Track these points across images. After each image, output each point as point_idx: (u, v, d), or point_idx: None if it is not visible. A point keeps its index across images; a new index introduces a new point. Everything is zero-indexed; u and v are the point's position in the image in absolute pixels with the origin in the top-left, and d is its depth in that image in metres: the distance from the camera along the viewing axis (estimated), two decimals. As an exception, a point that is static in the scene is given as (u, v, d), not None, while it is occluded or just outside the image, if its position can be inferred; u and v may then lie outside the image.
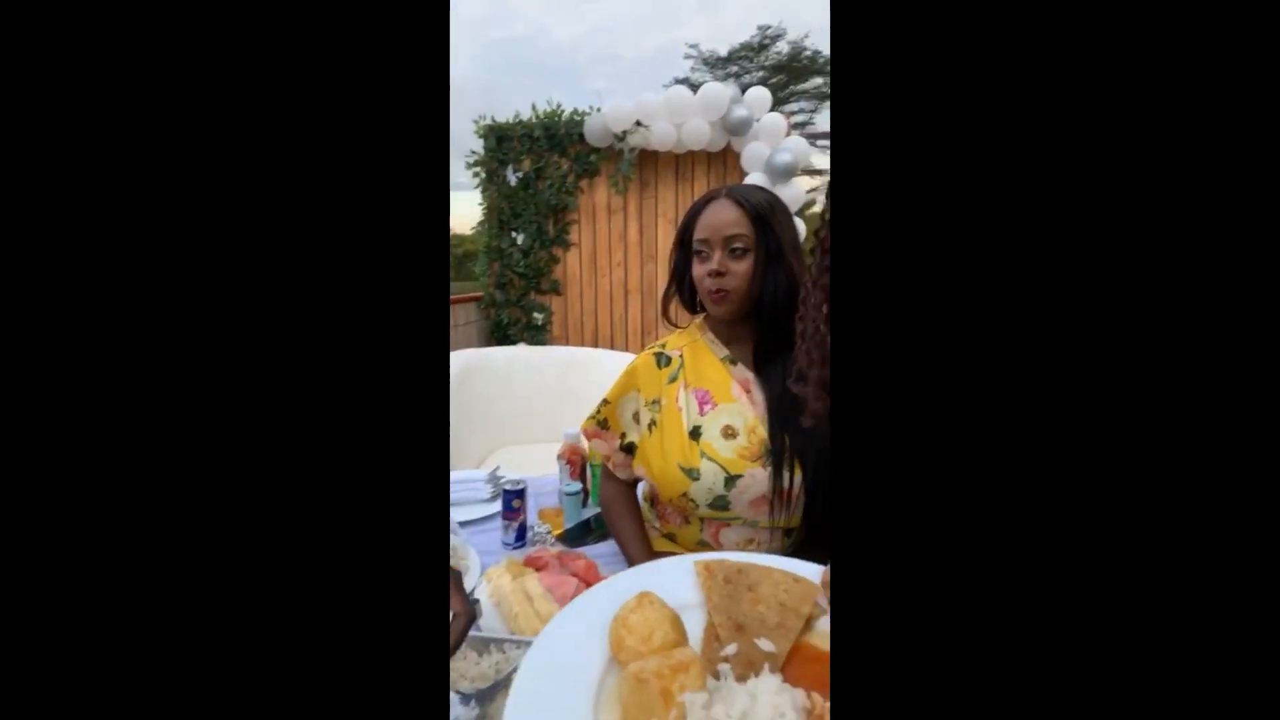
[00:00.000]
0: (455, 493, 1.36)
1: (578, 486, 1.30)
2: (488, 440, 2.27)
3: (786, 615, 0.33)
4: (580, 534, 1.26)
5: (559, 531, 1.24)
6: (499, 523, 1.20)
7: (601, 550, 1.15)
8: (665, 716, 0.29)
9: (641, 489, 1.20)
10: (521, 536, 1.18)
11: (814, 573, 0.39)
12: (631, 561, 1.06)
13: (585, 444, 1.34)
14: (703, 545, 1.03)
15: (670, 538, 1.10)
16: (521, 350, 2.91)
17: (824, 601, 0.35)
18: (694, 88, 3.16)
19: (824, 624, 0.34)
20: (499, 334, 3.63)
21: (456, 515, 1.28)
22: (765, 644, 0.32)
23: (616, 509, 1.10)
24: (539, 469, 1.54)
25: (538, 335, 3.61)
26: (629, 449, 1.09)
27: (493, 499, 1.37)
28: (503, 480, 1.35)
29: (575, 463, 1.39)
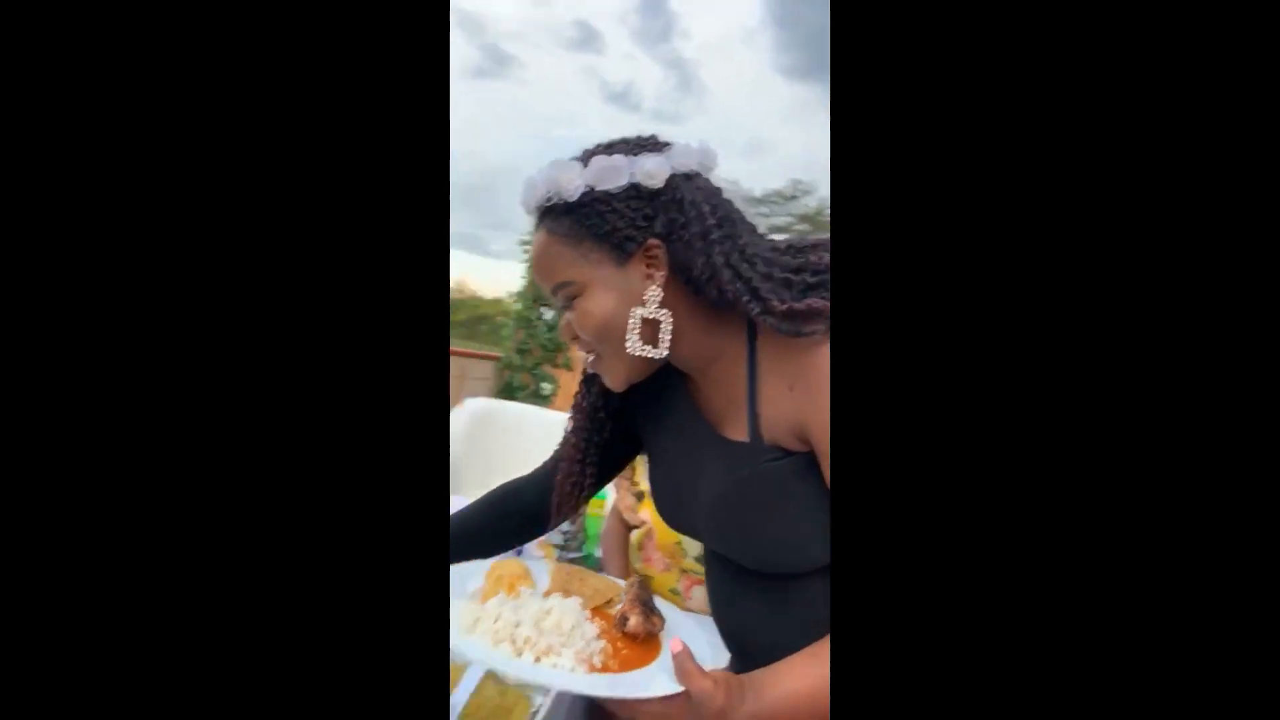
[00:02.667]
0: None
1: (570, 529, 1.52)
2: (490, 478, 2.44)
3: (595, 594, 0.58)
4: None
5: (551, 557, 1.44)
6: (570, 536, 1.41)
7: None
8: (515, 591, 0.54)
9: (634, 536, 1.42)
10: (519, 555, 1.38)
11: (623, 584, 0.62)
12: None
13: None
14: (673, 594, 1.24)
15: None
16: (530, 408, 3.15)
17: (623, 595, 0.57)
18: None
19: (619, 604, 0.56)
20: (507, 394, 3.88)
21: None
22: (578, 600, 0.55)
23: (611, 544, 1.32)
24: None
25: (542, 404, 3.87)
26: (640, 495, 1.33)
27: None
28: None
29: (574, 509, 1.61)
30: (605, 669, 0.47)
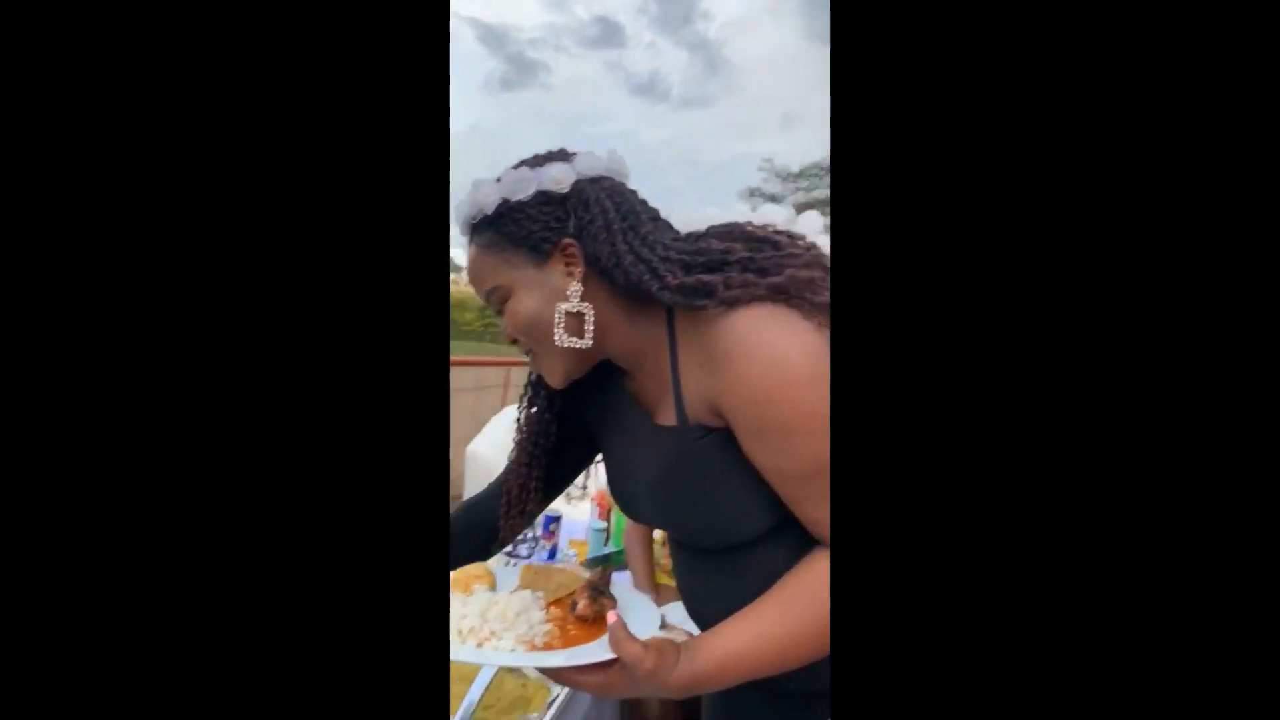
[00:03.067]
0: (502, 515, 1.65)
1: (603, 525, 1.55)
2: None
3: (559, 588, 0.61)
4: (599, 564, 1.49)
5: (583, 559, 1.48)
6: (531, 542, 1.46)
7: (616, 577, 1.39)
8: (469, 589, 0.58)
9: (657, 534, 1.44)
10: (552, 556, 1.43)
11: (584, 578, 0.65)
12: (637, 583, 1.30)
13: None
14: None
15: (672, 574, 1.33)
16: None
17: (580, 589, 0.60)
18: (765, 198, 3.58)
19: (578, 596, 0.58)
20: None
21: (501, 531, 1.56)
22: (540, 593, 0.59)
23: (634, 541, 1.34)
24: (569, 511, 1.80)
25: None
26: None
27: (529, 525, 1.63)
28: (542, 511, 1.63)
29: (604, 506, 1.64)
30: (548, 648, 0.50)
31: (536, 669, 0.49)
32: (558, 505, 1.65)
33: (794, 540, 0.52)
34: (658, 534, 1.45)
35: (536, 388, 0.68)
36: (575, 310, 0.56)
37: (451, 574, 0.63)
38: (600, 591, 0.56)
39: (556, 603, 0.59)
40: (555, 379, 0.60)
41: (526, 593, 0.57)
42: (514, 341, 0.61)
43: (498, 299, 0.59)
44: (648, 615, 0.56)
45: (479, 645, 0.49)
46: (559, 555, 1.44)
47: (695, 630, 1.05)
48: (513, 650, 0.49)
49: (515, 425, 0.71)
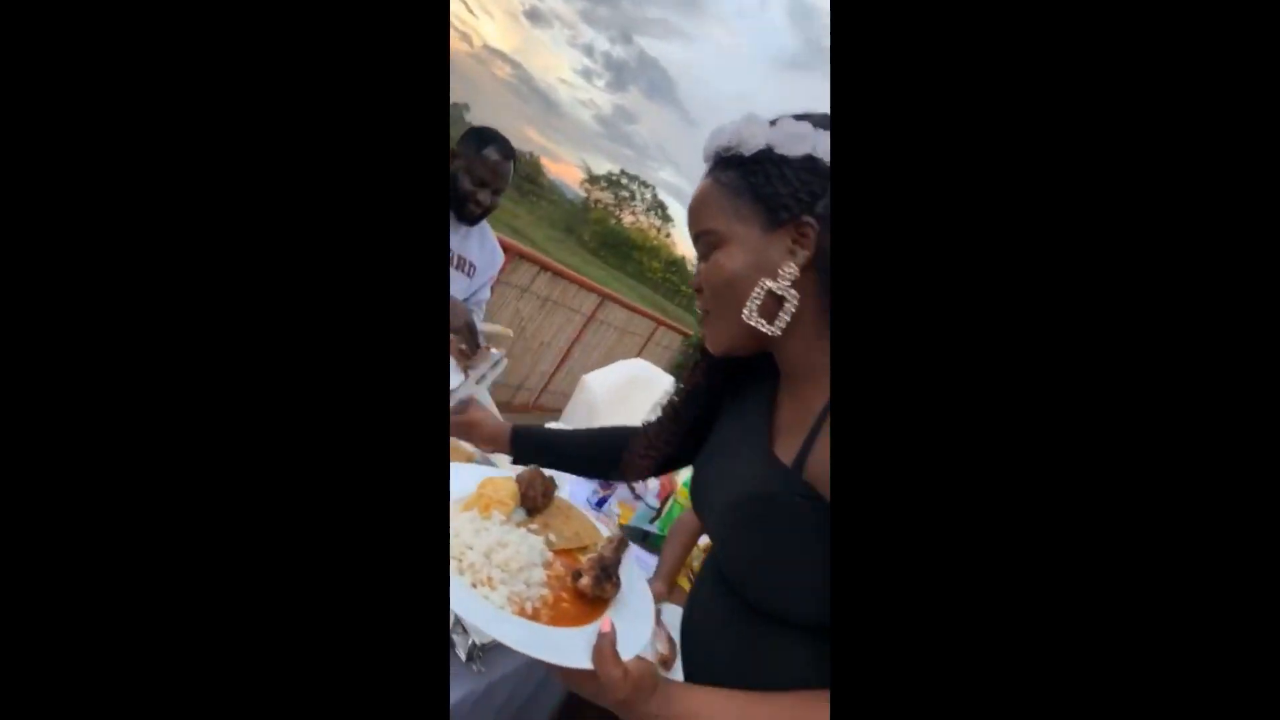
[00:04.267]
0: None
1: (656, 505, 1.59)
2: (619, 437, 2.63)
3: (573, 537, 0.59)
4: (637, 536, 1.54)
5: (624, 522, 1.53)
6: (593, 485, 1.54)
7: (643, 557, 1.42)
8: (488, 513, 0.57)
9: (702, 541, 1.44)
10: (600, 505, 1.49)
11: (606, 533, 0.63)
12: (657, 573, 1.32)
13: (679, 479, 1.62)
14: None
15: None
16: (688, 391, 3.26)
17: (600, 544, 0.57)
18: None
19: (586, 568, 0.54)
20: (680, 369, 4.04)
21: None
22: (553, 536, 0.57)
23: (678, 532, 1.36)
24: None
25: (708, 389, 3.96)
26: None
27: (598, 472, 1.72)
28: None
29: (666, 488, 1.67)
30: (535, 617, 0.48)
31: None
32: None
33: (819, 658, 0.48)
34: (703, 541, 1.45)
35: (706, 356, 0.63)
36: (779, 293, 0.50)
37: (484, 482, 0.62)
38: (608, 574, 0.53)
39: (563, 553, 0.57)
40: (717, 347, 0.55)
41: (538, 541, 0.56)
42: (697, 290, 0.56)
43: (706, 243, 0.53)
44: (642, 623, 0.53)
45: (473, 585, 0.48)
46: (606, 508, 1.51)
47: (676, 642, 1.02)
48: (501, 608, 0.47)
49: (677, 380, 0.69)
